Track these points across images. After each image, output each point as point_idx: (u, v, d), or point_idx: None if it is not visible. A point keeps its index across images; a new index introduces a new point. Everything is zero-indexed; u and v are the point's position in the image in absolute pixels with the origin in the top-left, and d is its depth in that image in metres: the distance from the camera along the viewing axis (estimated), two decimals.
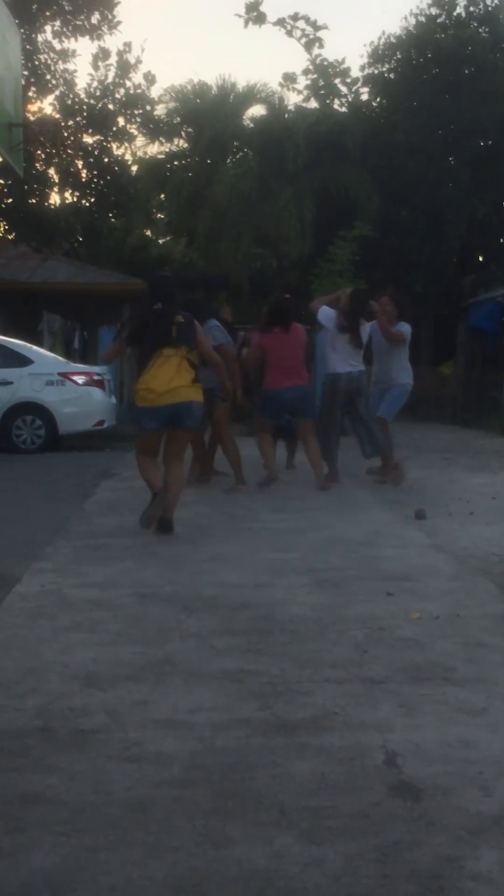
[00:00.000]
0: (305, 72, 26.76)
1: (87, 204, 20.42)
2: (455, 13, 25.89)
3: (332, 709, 3.72)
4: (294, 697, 3.85)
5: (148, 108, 19.83)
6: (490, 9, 25.79)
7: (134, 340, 7.99)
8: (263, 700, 3.82)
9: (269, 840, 2.74)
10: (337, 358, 10.44)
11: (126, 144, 20.65)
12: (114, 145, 19.97)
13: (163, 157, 28.23)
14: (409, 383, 11.15)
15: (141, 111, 19.57)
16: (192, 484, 10.06)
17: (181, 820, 2.85)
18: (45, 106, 19.77)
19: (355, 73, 26.70)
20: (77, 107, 18.94)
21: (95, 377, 15.37)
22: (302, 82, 26.94)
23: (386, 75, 26.12)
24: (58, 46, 18.78)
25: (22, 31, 15.07)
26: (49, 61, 18.84)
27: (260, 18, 26.32)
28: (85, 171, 19.78)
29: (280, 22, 26.44)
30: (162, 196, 29.10)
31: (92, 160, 19.51)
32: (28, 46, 17.29)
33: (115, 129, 19.41)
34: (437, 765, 3.22)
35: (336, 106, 26.74)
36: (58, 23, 18.45)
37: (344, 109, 26.53)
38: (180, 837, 2.76)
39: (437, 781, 3.09)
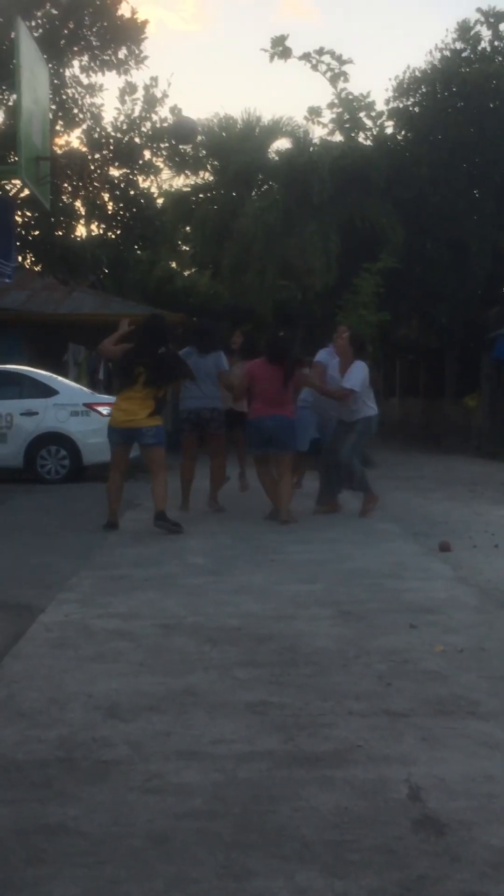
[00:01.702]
0: (330, 105, 26.90)
1: (113, 236, 20.56)
2: (480, 48, 26.00)
3: (356, 742, 3.70)
4: (317, 730, 3.83)
5: (174, 141, 19.98)
6: None
7: (122, 364, 9.82)
8: (286, 732, 3.80)
9: (291, 874, 2.72)
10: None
11: (152, 177, 20.81)
12: (140, 178, 20.13)
13: (188, 189, 28.41)
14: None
15: (167, 144, 19.72)
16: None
17: (203, 852, 2.84)
18: (73, 139, 19.98)
19: (380, 106, 26.82)
20: (104, 140, 19.10)
21: None
22: (327, 116, 27.09)
23: (411, 109, 26.22)
24: (85, 81, 18.99)
25: (50, 66, 15.25)
26: (76, 95, 19.03)
27: (285, 53, 26.47)
28: (111, 203, 19.93)
29: (305, 56, 26.60)
30: (187, 228, 29.26)
31: (118, 193, 19.66)
32: (56, 81, 17.48)
33: (141, 162, 19.56)
34: (462, 799, 3.19)
35: (361, 139, 26.84)
36: (85, 58, 18.65)
37: (369, 143, 26.63)
38: (202, 870, 2.74)
39: (462, 816, 3.07)
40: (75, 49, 18.44)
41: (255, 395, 10.32)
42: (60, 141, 19.15)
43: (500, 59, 25.73)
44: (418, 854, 2.83)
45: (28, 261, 20.04)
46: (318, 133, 27.13)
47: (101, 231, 20.90)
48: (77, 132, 19.50)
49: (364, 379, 10.51)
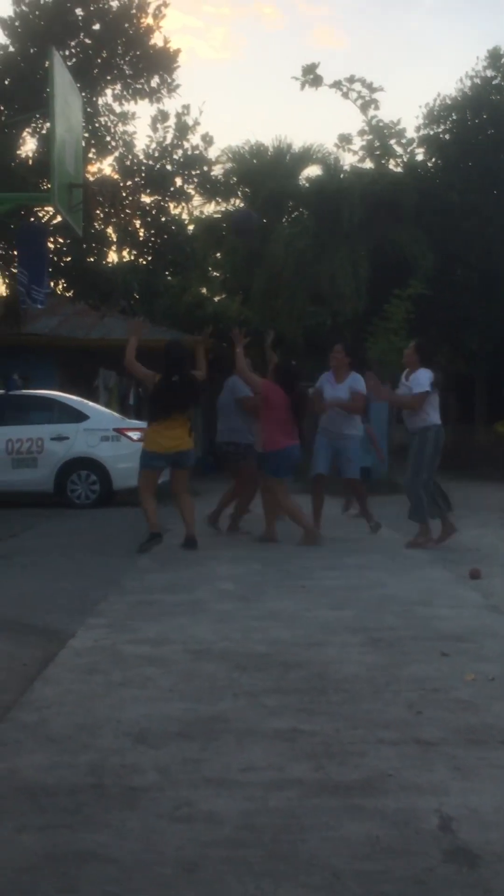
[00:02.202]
0: (361, 133, 27.00)
1: (144, 262, 20.64)
2: None
3: (386, 771, 3.67)
4: (347, 758, 3.81)
5: (205, 168, 20.07)
6: None
7: (154, 395, 10.18)
8: (316, 760, 3.78)
9: None
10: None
11: (183, 204, 20.91)
12: (171, 205, 20.22)
13: (219, 216, 28.55)
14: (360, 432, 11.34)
15: (198, 171, 19.81)
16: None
17: (232, 881, 2.82)
18: (105, 167, 20.09)
19: (410, 133, 26.90)
20: (136, 167, 19.21)
21: None
22: (357, 143, 27.20)
23: (441, 136, 26.28)
24: (118, 109, 19.10)
25: (83, 94, 15.40)
26: (109, 123, 19.15)
27: (316, 81, 26.61)
28: (142, 230, 20.01)
29: (336, 84, 26.73)
30: (218, 254, 29.41)
31: (149, 219, 19.75)
32: (89, 109, 17.61)
33: (172, 189, 19.66)
34: (494, 830, 3.16)
35: (391, 166, 26.92)
36: (118, 86, 18.78)
37: (399, 170, 26.70)
38: None
39: (494, 848, 3.03)
40: (108, 78, 18.57)
41: (273, 421, 10.33)
42: (93, 168, 19.28)
43: None
44: (450, 886, 2.80)
45: (60, 287, 20.15)
46: (348, 160, 27.41)
47: (133, 257, 20.98)
48: (109, 159, 19.64)
49: (430, 380, 10.17)
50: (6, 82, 17.44)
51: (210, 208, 28.30)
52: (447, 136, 26.10)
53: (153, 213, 19.75)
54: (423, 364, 10.35)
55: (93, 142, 18.55)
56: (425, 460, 10.16)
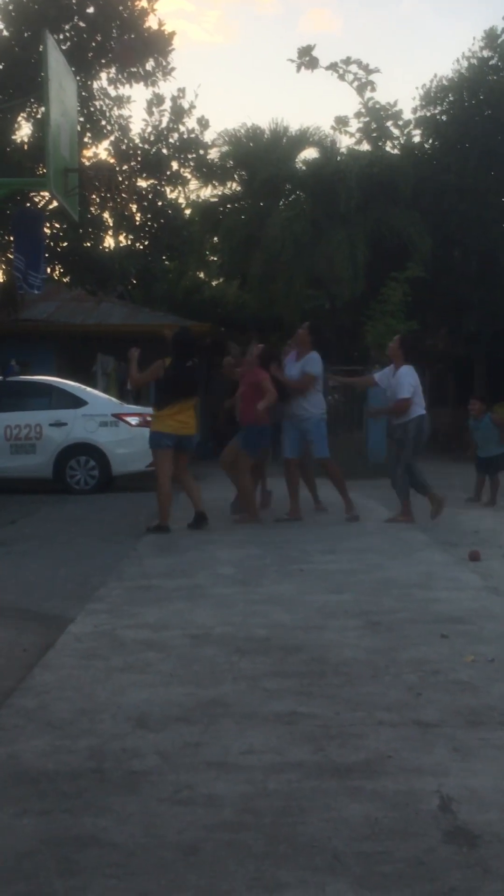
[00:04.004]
0: (357, 115, 26.87)
1: (141, 247, 20.62)
2: None
3: (386, 752, 3.67)
4: (347, 740, 3.81)
5: (201, 152, 20.04)
6: None
7: (167, 379, 10.19)
8: (316, 743, 3.79)
9: (321, 885, 2.71)
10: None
11: (180, 188, 20.89)
12: (167, 189, 20.20)
13: (216, 200, 28.45)
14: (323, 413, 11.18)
15: (194, 155, 19.78)
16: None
17: (233, 864, 2.83)
18: (101, 151, 20.06)
19: (407, 115, 26.75)
20: (131, 152, 19.18)
21: (149, 418, 15.45)
22: (354, 125, 27.05)
23: (438, 117, 26.14)
24: (113, 93, 19.08)
25: (78, 78, 15.33)
26: (104, 107, 19.12)
27: (312, 63, 26.48)
28: (139, 214, 19.99)
29: (332, 66, 26.59)
30: (215, 239, 29.29)
31: (146, 204, 19.73)
32: (84, 93, 17.57)
33: (168, 173, 19.63)
34: (494, 811, 3.16)
35: (388, 148, 26.80)
36: (113, 70, 18.74)
37: (396, 152, 26.59)
38: (232, 881, 2.73)
39: (494, 828, 3.04)
40: (103, 61, 18.52)
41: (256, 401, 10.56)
42: (88, 153, 19.25)
43: None
44: (450, 866, 2.81)
45: (57, 272, 20.14)
46: (345, 142, 27.10)
47: (129, 242, 20.97)
48: (105, 144, 19.62)
49: (414, 384, 10.51)
50: (0, 67, 17.39)
51: (206, 192, 28.22)
52: (444, 118, 25.96)
53: (149, 197, 19.73)
54: (407, 358, 10.71)
55: (88, 126, 18.52)
56: (409, 448, 10.58)
